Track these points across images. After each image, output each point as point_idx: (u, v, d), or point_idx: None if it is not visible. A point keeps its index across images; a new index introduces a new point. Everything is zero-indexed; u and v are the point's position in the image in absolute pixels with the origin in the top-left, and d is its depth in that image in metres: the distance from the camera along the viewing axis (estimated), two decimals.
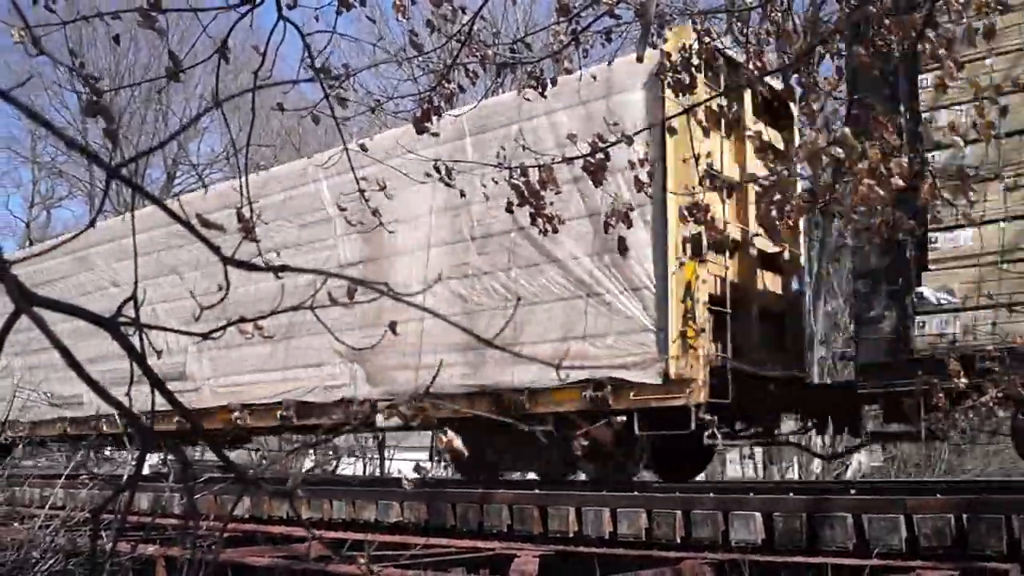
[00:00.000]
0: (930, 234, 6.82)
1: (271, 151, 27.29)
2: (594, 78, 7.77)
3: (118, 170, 1.57)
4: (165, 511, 9.85)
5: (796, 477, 21.02)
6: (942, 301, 6.86)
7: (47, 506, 7.73)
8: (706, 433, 7.79)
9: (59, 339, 1.40)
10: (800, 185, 3.91)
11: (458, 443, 1.97)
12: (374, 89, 19.43)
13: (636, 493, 7.66)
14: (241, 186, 4.20)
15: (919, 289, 6.98)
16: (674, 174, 8.09)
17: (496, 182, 5.11)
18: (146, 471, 13.16)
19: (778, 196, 3.59)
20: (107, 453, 15.44)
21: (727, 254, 8.66)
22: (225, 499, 8.60)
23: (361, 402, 9.71)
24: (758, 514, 6.28)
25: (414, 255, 9.77)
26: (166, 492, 9.50)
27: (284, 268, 1.73)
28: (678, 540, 6.61)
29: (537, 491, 8.07)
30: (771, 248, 9.50)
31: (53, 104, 31.95)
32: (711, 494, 7.12)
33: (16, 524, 7.45)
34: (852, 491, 7.76)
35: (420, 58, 7.39)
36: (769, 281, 9.60)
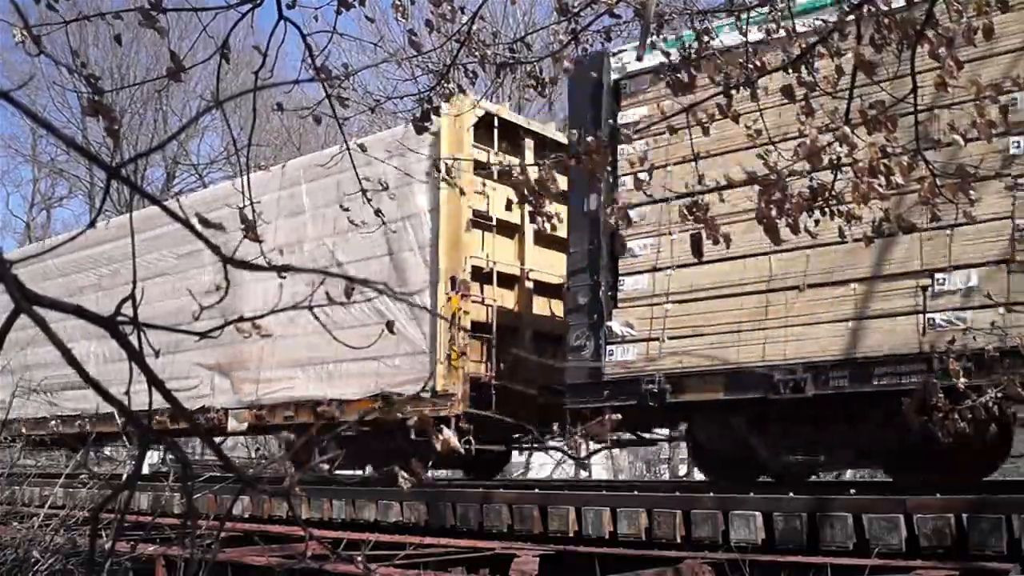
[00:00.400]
0: (620, 277, 8.37)
1: (271, 151, 27.31)
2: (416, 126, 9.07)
3: (118, 170, 1.57)
4: (164, 510, 9.85)
5: None
6: (624, 334, 8.24)
7: (47, 505, 7.74)
8: (462, 439, 8.89)
9: (59, 339, 1.40)
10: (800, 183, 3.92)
11: (454, 441, 1.99)
12: (374, 89, 19.45)
13: (636, 493, 7.67)
14: (243, 185, 4.20)
15: (608, 323, 8.33)
16: (446, 221, 9.92)
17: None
18: (145, 470, 13.17)
19: (777, 195, 3.59)
20: (107, 452, 15.49)
21: (494, 286, 10.41)
22: (224, 499, 8.60)
23: (218, 410, 11.76)
24: (758, 514, 6.28)
25: (261, 284, 10.99)
26: (165, 491, 9.51)
27: (286, 268, 1.73)
28: (678, 539, 6.61)
29: (537, 491, 8.08)
30: (554, 280, 11.03)
31: (55, 104, 31.99)
32: (711, 493, 7.12)
33: (16, 523, 7.45)
34: (852, 491, 7.76)
35: (419, 58, 7.39)
36: (548, 307, 11.28)
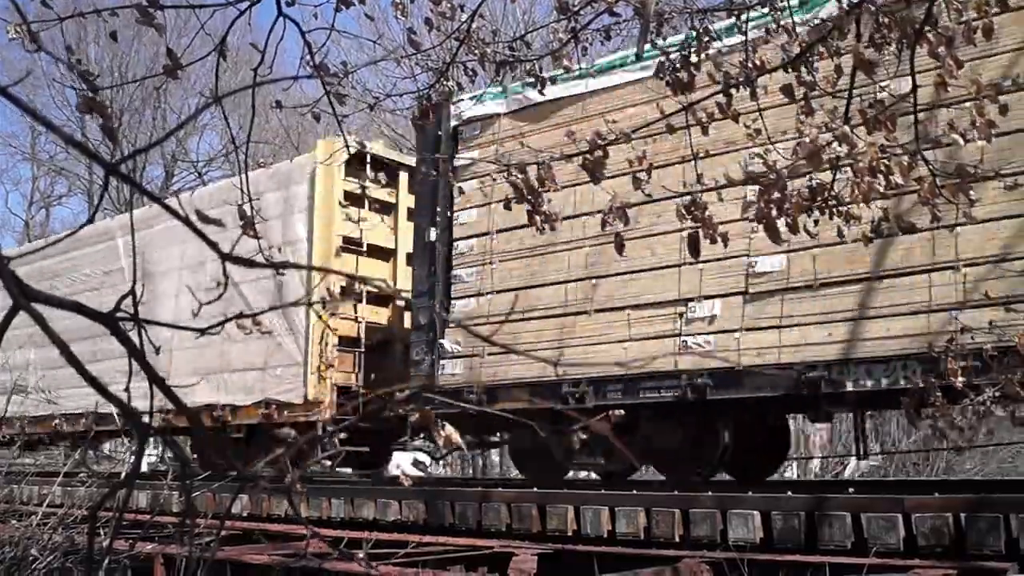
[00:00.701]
0: (452, 301, 9.67)
1: (271, 149, 27.30)
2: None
3: (117, 167, 1.56)
4: (163, 508, 9.85)
5: (794, 476, 21.03)
6: (454, 350, 9.52)
7: (45, 503, 7.73)
8: (327, 441, 9.57)
9: (58, 336, 1.40)
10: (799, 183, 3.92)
11: (456, 437, 1.99)
12: (373, 87, 19.40)
13: (635, 492, 7.67)
14: (241, 182, 4.20)
15: (441, 341, 9.58)
16: (318, 246, 11.12)
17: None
18: (144, 468, 13.26)
19: (777, 194, 3.59)
20: (106, 451, 15.57)
21: (363, 305, 11.42)
22: (223, 497, 8.60)
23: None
24: (756, 513, 6.28)
25: (172, 298, 12.48)
26: (164, 489, 9.51)
27: (284, 265, 1.73)
28: (676, 539, 6.62)
29: (536, 490, 8.08)
30: None
31: (54, 101, 31.97)
32: (710, 492, 7.12)
33: (14, 521, 7.45)
34: (850, 490, 7.77)
35: (419, 56, 7.39)
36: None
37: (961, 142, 3.51)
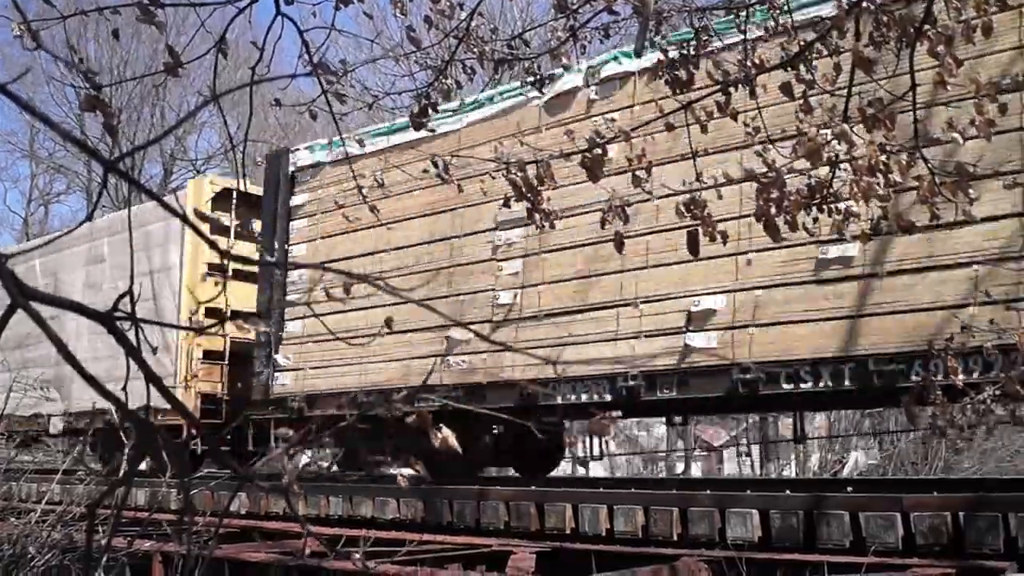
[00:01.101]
0: (285, 321, 11.14)
1: (269, 148, 27.26)
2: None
3: (116, 164, 1.56)
4: (162, 506, 9.86)
5: (792, 474, 21.06)
6: (285, 364, 11.11)
7: (44, 501, 7.72)
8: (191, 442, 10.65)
9: (56, 335, 1.40)
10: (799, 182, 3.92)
11: (452, 440, 1.99)
12: (372, 85, 19.38)
13: (634, 490, 7.68)
14: (238, 181, 4.20)
15: (276, 356, 11.15)
16: (187, 271, 12.63)
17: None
18: (143, 466, 13.41)
19: (776, 193, 3.60)
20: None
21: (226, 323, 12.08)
22: (222, 495, 8.60)
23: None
24: (755, 511, 6.29)
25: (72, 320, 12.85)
26: (163, 487, 9.51)
27: (287, 264, 1.72)
28: (675, 537, 6.62)
29: (534, 488, 8.08)
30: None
31: (53, 99, 31.96)
32: (708, 491, 7.13)
33: (13, 519, 7.44)
34: (849, 489, 7.78)
35: (417, 54, 7.40)
36: None
37: (961, 140, 3.51)
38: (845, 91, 3.59)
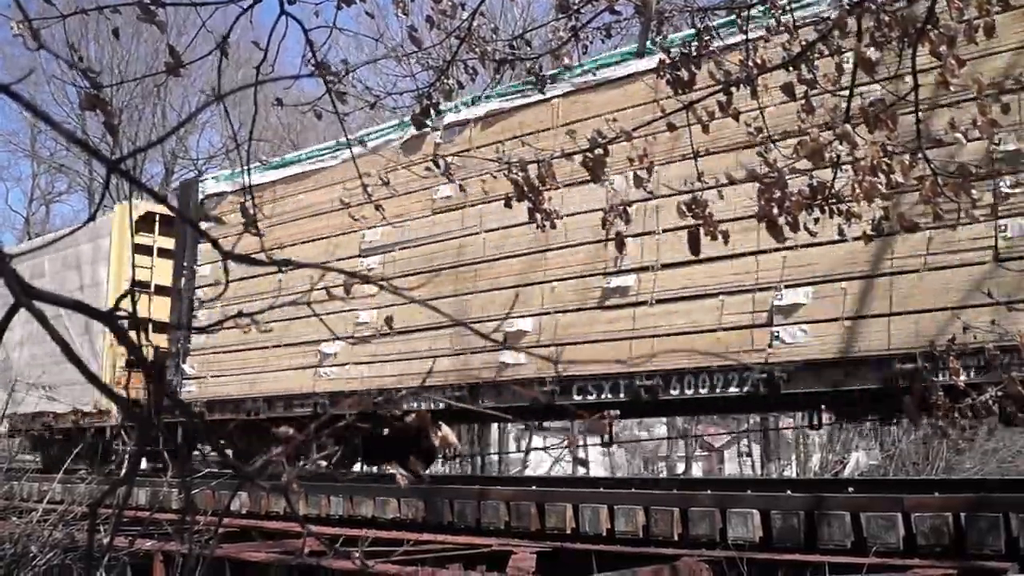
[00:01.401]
0: (191, 334, 12.47)
1: (270, 147, 27.28)
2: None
3: (118, 164, 1.56)
4: (163, 506, 9.86)
5: (793, 474, 21.06)
6: (191, 373, 12.35)
7: (45, 500, 7.72)
8: (115, 443, 12.69)
9: (58, 333, 1.40)
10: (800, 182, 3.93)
11: (452, 438, 2.00)
12: (373, 85, 19.36)
13: (634, 490, 7.68)
14: (244, 181, 4.20)
15: (183, 366, 12.48)
16: (113, 286, 13.95)
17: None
18: (144, 466, 13.51)
19: (777, 193, 3.60)
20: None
21: (150, 333, 13.41)
22: (222, 494, 8.60)
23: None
24: (756, 511, 6.28)
25: (21, 324, 14.83)
26: (164, 487, 9.51)
27: (287, 263, 1.73)
28: (675, 537, 6.61)
29: (535, 488, 8.08)
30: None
31: (55, 98, 31.96)
32: (709, 491, 7.12)
33: (14, 518, 7.44)
34: (850, 489, 7.77)
35: (419, 54, 7.40)
36: None
37: (963, 140, 3.51)
38: (847, 91, 3.59)
